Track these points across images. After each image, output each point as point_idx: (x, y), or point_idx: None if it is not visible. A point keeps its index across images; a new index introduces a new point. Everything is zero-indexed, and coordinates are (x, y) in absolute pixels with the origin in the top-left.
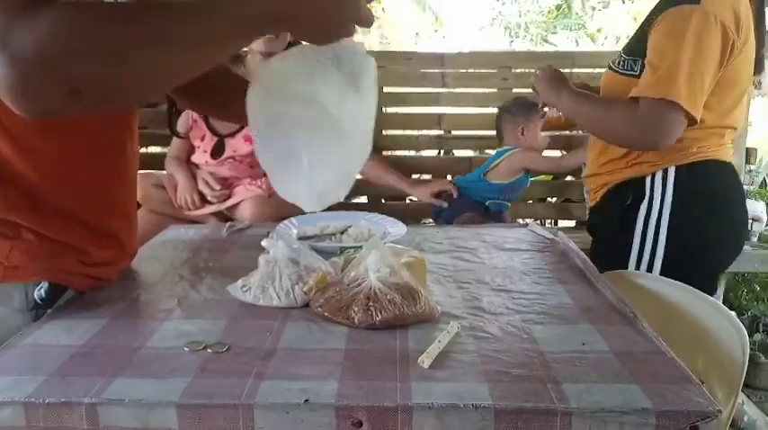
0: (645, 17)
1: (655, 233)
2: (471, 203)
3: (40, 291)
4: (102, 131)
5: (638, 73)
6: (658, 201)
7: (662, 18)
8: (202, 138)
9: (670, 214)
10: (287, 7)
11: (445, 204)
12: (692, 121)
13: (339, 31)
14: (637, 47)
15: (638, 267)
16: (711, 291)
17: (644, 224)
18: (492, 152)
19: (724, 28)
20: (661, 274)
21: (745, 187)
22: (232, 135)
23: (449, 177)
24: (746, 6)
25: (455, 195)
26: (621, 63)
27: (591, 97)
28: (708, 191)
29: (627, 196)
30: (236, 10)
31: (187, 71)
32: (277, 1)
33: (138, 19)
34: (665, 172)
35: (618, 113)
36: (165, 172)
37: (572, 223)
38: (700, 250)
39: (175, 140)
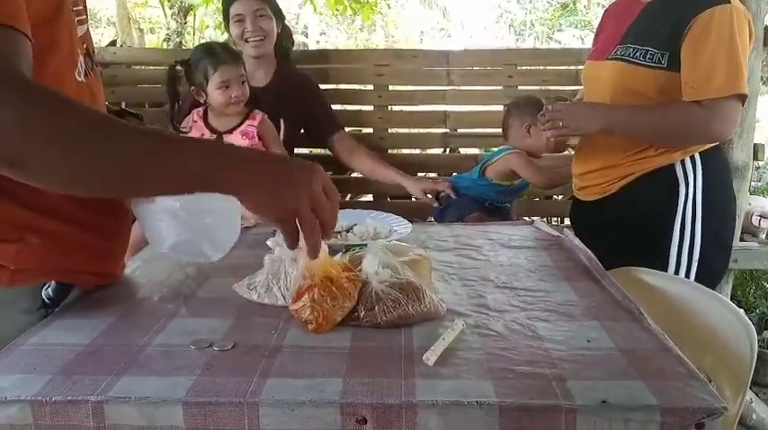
0: (668, 12)
1: (692, 216)
2: (471, 203)
3: (47, 290)
4: None
5: (665, 65)
6: (692, 186)
7: (703, 18)
8: (201, 137)
9: (702, 197)
10: (229, 173)
11: (436, 203)
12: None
13: (287, 210)
14: (665, 42)
15: (679, 251)
16: (728, 265)
17: (683, 209)
18: (495, 149)
19: (749, 22)
20: (700, 257)
21: (753, 184)
22: (230, 132)
23: (454, 174)
24: None
25: (453, 195)
26: (648, 55)
27: (640, 109)
28: (721, 173)
29: (661, 184)
30: (179, 162)
31: (122, 193)
32: (219, 167)
33: (92, 134)
34: (693, 158)
35: (692, 118)
36: None
37: None
38: (724, 228)
39: None
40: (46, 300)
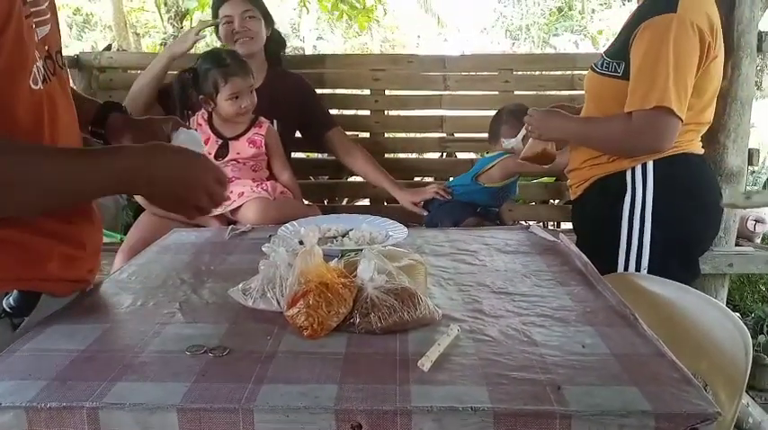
0: (626, 22)
1: (641, 223)
2: (464, 208)
3: (8, 300)
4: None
5: (621, 74)
6: (641, 194)
7: (643, 28)
8: (206, 141)
9: (653, 205)
10: (136, 189)
11: (425, 212)
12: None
13: (189, 208)
14: (620, 51)
15: (627, 256)
16: (696, 274)
17: (629, 215)
18: (487, 156)
19: (701, 32)
20: (650, 262)
21: (747, 188)
22: (236, 138)
23: (451, 179)
24: (716, 11)
25: (444, 196)
26: (604, 65)
27: (588, 120)
28: (686, 181)
29: (609, 190)
30: (91, 182)
31: (43, 211)
32: (127, 185)
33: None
34: (644, 166)
35: (619, 129)
36: None
37: None
38: (684, 236)
39: None
40: (8, 310)
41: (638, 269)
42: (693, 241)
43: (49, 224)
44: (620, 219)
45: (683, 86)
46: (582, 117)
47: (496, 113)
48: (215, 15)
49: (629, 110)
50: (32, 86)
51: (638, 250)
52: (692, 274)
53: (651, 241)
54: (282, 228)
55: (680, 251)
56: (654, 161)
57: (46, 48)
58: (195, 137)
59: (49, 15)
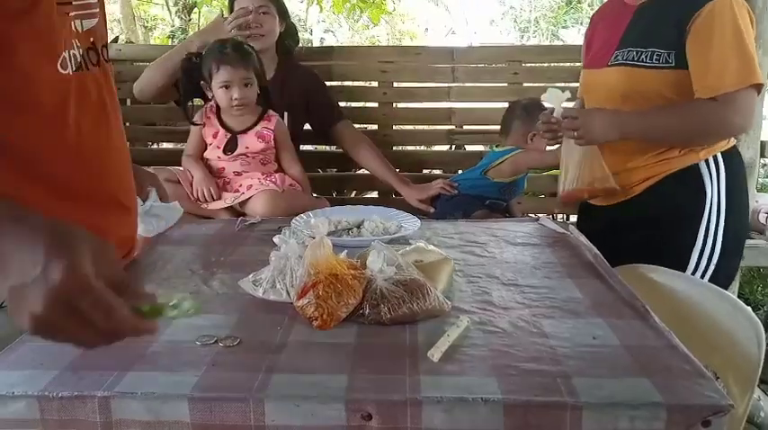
0: (668, 11)
1: (717, 215)
2: (473, 201)
3: None
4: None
5: (673, 64)
6: (716, 186)
7: (704, 13)
8: (215, 135)
9: (726, 197)
10: None
11: (432, 209)
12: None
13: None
14: (668, 40)
15: (701, 253)
16: (741, 258)
17: (709, 209)
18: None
19: (749, 10)
20: (720, 257)
21: (760, 181)
22: (245, 132)
23: (459, 171)
24: None
25: (451, 192)
26: (654, 57)
27: (653, 112)
28: (740, 170)
29: (689, 183)
30: None
31: None
32: None
33: None
34: (716, 157)
35: (706, 115)
36: (177, 167)
37: None
38: (740, 224)
39: (191, 139)
40: None
41: (708, 264)
42: (746, 232)
43: (98, 193)
44: (702, 213)
45: (756, 63)
46: (638, 111)
47: (509, 107)
48: (230, 8)
49: (712, 95)
50: (60, 70)
51: (712, 244)
52: (740, 260)
53: (723, 234)
54: (295, 220)
55: (736, 239)
56: (722, 152)
57: (91, 39)
58: (172, 207)
59: (97, 10)
